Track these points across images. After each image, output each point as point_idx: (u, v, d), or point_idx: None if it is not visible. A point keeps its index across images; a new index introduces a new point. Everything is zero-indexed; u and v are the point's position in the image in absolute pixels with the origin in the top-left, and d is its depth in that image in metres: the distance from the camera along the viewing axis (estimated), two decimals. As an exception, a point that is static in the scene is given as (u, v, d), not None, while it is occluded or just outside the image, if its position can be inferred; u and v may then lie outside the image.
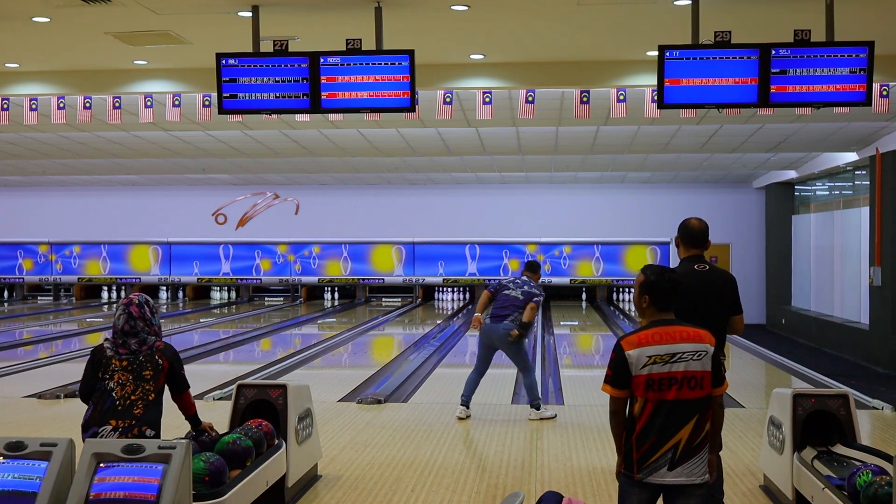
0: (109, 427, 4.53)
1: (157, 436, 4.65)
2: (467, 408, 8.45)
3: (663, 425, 3.66)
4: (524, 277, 8.79)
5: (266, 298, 24.02)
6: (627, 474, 3.76)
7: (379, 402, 9.12)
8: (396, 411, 8.73)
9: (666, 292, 3.82)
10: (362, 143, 14.03)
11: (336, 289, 23.89)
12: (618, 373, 3.72)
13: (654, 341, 3.69)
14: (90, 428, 4.54)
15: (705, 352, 3.71)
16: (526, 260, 9.12)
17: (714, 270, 5.05)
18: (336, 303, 23.44)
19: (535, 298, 8.58)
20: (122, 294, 24.23)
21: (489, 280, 22.58)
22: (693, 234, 5.08)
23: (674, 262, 23.26)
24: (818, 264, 17.65)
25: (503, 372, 11.64)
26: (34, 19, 7.41)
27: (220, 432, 5.41)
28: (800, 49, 6.38)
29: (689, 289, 4.91)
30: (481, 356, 8.67)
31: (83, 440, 4.37)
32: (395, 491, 6.04)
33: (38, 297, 24.39)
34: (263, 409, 5.88)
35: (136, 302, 4.73)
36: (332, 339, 15.54)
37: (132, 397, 4.60)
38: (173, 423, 7.95)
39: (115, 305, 22.61)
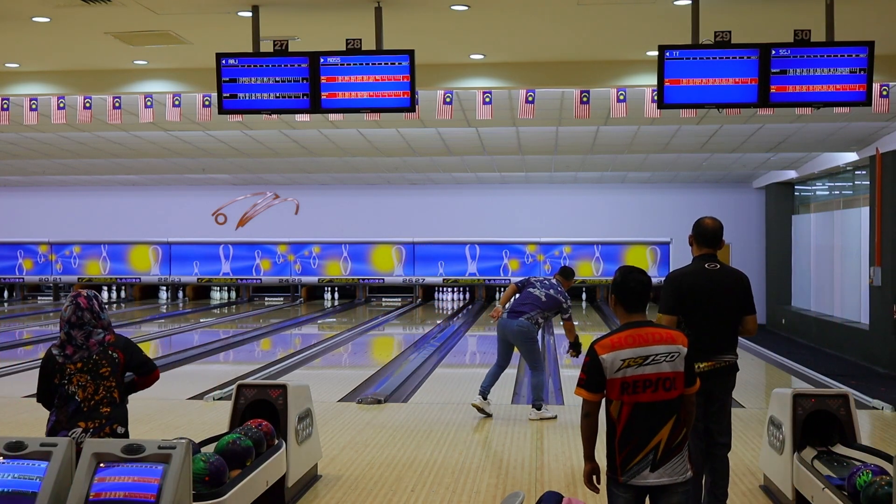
0: (80, 429, 4.44)
1: (127, 433, 4.57)
2: (484, 398, 8.44)
3: (642, 427, 3.70)
4: (554, 280, 8.72)
5: (266, 298, 24.02)
6: (612, 476, 3.81)
7: (379, 402, 9.11)
8: (396, 411, 8.73)
9: (631, 292, 3.83)
10: (362, 143, 14.04)
11: (336, 289, 23.90)
12: (592, 377, 3.75)
13: (628, 344, 3.71)
14: (59, 432, 4.45)
15: (678, 353, 3.73)
16: (562, 264, 9.09)
17: (725, 269, 5.02)
18: (336, 303, 23.44)
19: (565, 315, 8.57)
20: (123, 294, 24.26)
21: (489, 280, 22.62)
22: (707, 233, 5.07)
23: (675, 261, 23.34)
24: (818, 264, 17.66)
25: (503, 372, 11.64)
26: (34, 19, 7.41)
27: (221, 432, 5.41)
28: (800, 49, 6.38)
29: (699, 288, 4.91)
30: (500, 350, 8.67)
31: None
32: (395, 491, 6.04)
33: (38, 297, 24.40)
34: (263, 409, 5.88)
35: (85, 295, 4.62)
36: (332, 339, 15.54)
37: (96, 397, 4.49)
38: (172, 424, 7.95)
39: (113, 305, 22.62)
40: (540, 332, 8.69)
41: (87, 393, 4.47)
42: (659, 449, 3.69)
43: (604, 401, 3.81)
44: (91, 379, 4.49)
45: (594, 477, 3.91)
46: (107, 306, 4.71)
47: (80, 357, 4.49)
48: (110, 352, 4.54)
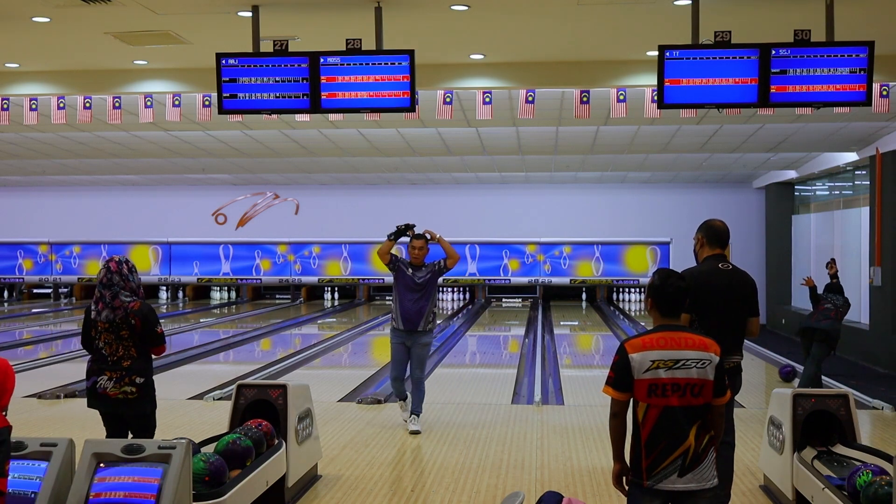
0: (105, 377, 5.24)
1: (147, 383, 5.31)
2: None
3: (671, 432, 3.62)
4: None
5: (266, 298, 24.01)
6: (636, 482, 3.71)
7: (379, 402, 9.11)
8: (396, 411, 8.72)
9: (668, 297, 3.78)
10: (362, 143, 14.03)
11: (336, 289, 23.89)
12: (620, 375, 3.69)
13: (659, 346, 3.66)
14: (91, 377, 5.30)
15: (709, 360, 3.67)
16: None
17: (737, 271, 5.09)
18: (336, 303, 23.43)
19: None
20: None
21: (489, 280, 22.61)
22: (718, 234, 5.15)
23: (675, 261, 23.17)
24: (818, 264, 17.64)
25: (503, 372, 11.66)
26: (34, 19, 7.41)
27: (221, 432, 5.40)
28: (800, 49, 6.38)
29: (714, 287, 4.95)
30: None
31: (87, 386, 5.32)
32: (394, 491, 6.04)
33: (38, 297, 24.39)
34: (263, 409, 5.88)
35: (116, 260, 5.40)
36: (332, 339, 15.54)
37: (119, 353, 5.25)
38: (172, 424, 7.95)
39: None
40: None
41: (111, 349, 5.25)
42: (688, 454, 3.62)
43: (634, 415, 3.73)
44: (114, 339, 5.26)
45: (623, 478, 3.80)
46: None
47: (107, 317, 5.23)
48: (130, 319, 5.25)
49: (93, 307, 5.31)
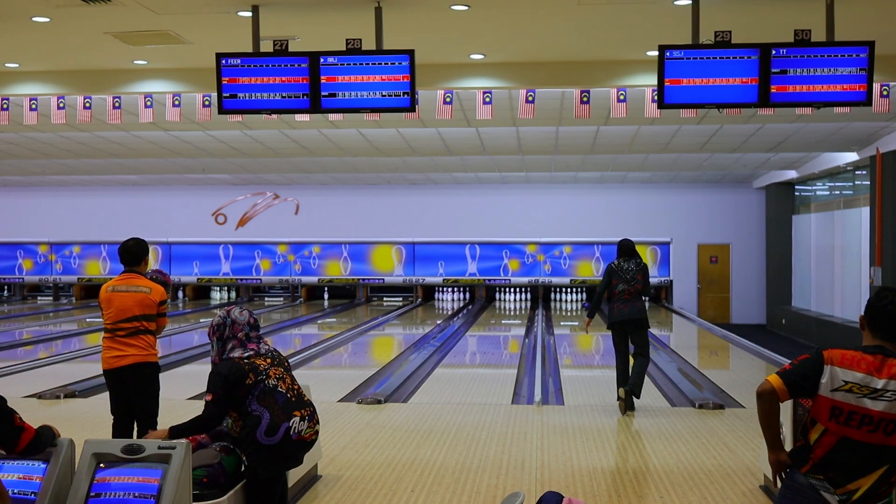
0: (297, 418, 4.47)
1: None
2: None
3: (843, 467, 3.20)
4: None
5: (266, 298, 24.01)
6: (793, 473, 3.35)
7: (379, 402, 9.10)
8: (396, 411, 8.72)
9: (875, 316, 3.30)
10: (362, 143, 14.04)
11: (336, 289, 23.90)
12: (801, 374, 3.26)
13: (858, 367, 3.19)
14: (280, 426, 4.42)
15: None
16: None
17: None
18: (336, 303, 23.43)
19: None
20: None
21: (489, 280, 22.59)
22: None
23: (675, 261, 23.04)
24: (818, 264, 17.66)
25: (503, 372, 11.65)
26: (34, 19, 7.41)
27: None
28: (800, 49, 6.39)
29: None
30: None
31: (266, 443, 4.39)
32: (395, 491, 6.03)
33: (38, 297, 24.39)
34: (263, 409, 5.86)
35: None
36: (332, 339, 15.53)
37: (295, 386, 4.59)
38: (173, 424, 7.95)
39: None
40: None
41: (286, 384, 4.56)
42: (856, 494, 3.18)
43: (804, 423, 3.36)
44: (284, 371, 4.66)
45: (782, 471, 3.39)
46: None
47: (266, 354, 4.65)
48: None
49: (238, 354, 4.57)
